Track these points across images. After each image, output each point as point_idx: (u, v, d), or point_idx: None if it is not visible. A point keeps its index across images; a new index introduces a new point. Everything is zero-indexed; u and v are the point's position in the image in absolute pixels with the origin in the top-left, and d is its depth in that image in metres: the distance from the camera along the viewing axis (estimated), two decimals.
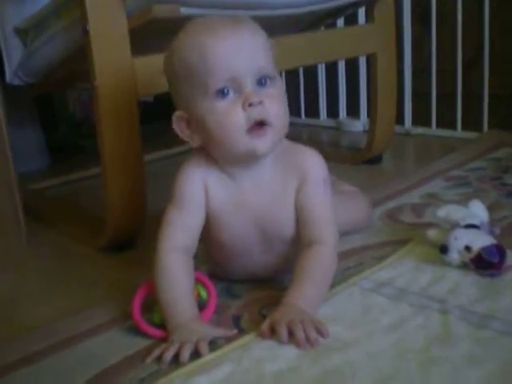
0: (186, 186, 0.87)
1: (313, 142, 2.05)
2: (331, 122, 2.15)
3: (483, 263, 0.89)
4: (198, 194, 0.87)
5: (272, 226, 0.89)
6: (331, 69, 2.12)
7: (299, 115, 2.22)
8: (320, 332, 0.76)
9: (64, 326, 0.88)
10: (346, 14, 1.61)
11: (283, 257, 0.92)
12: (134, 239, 1.17)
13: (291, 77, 2.22)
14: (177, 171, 0.89)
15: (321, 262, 0.85)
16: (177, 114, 0.86)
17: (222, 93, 0.80)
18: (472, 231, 0.94)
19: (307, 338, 0.74)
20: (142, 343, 0.81)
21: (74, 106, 2.12)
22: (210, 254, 0.96)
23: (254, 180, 0.88)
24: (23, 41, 1.36)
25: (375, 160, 1.63)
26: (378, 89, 1.52)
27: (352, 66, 2.04)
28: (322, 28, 1.63)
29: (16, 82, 1.39)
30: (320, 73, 2.16)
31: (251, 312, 0.87)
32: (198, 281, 0.89)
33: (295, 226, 0.89)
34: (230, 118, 0.80)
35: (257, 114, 0.80)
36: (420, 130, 1.91)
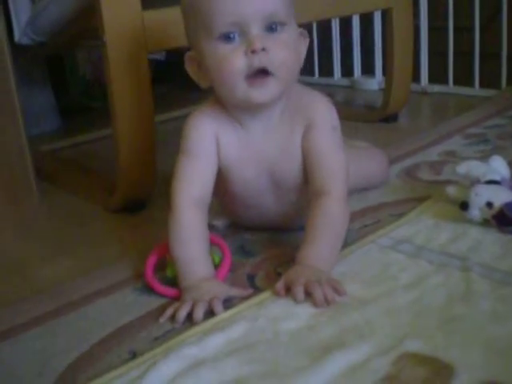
0: (197, 135, 0.85)
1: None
2: (346, 81, 2.10)
3: (505, 219, 0.87)
4: (210, 142, 0.85)
5: (281, 174, 0.87)
6: (345, 26, 2.07)
7: (313, 74, 2.18)
8: (337, 291, 0.74)
9: (76, 286, 0.87)
10: None
11: (294, 205, 0.91)
12: (144, 200, 1.15)
13: None
14: (186, 119, 0.87)
15: (330, 216, 0.81)
16: (189, 53, 0.83)
17: (226, 37, 0.77)
18: (493, 187, 0.91)
19: (324, 297, 0.72)
20: (155, 303, 0.80)
21: (84, 67, 2.09)
22: (224, 203, 0.94)
23: (263, 128, 0.86)
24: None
25: (392, 118, 1.59)
26: (394, 46, 1.48)
27: (366, 22, 1.99)
28: None
29: (25, 41, 1.36)
30: (334, 30, 2.10)
31: (266, 270, 0.85)
32: (210, 243, 0.87)
33: (304, 175, 0.86)
34: (229, 62, 0.77)
35: (258, 61, 0.76)
36: (437, 87, 1.87)
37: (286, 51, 0.78)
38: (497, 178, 0.93)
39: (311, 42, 2.14)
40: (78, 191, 1.28)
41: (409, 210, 0.99)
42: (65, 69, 2.07)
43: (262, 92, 0.79)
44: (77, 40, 1.38)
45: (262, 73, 0.78)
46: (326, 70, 2.16)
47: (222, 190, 0.90)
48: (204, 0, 0.77)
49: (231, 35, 0.77)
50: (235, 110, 0.84)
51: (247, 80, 0.78)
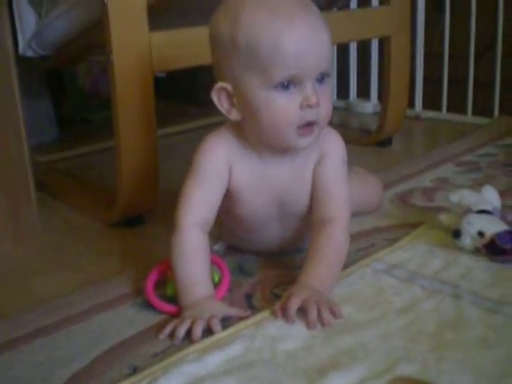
0: (209, 158, 0.87)
1: None
2: (341, 103, 2.14)
3: (496, 249, 0.90)
4: (221, 167, 0.87)
5: (290, 202, 0.90)
6: (342, 49, 2.10)
7: None
8: (334, 313, 0.77)
9: (76, 299, 0.89)
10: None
11: (296, 231, 0.94)
12: (144, 215, 1.17)
13: None
14: (200, 141, 0.88)
15: (334, 242, 0.85)
16: (220, 85, 0.83)
17: (284, 87, 0.79)
18: (485, 217, 0.94)
19: (320, 318, 0.75)
20: (154, 319, 0.82)
21: (83, 79, 2.11)
22: (227, 225, 0.97)
23: (280, 159, 0.88)
24: (37, 12, 1.35)
25: (386, 142, 1.62)
26: (390, 72, 1.51)
27: (363, 46, 2.02)
28: (335, 9, 1.62)
29: (29, 53, 1.38)
30: (332, 53, 2.14)
31: (263, 291, 0.87)
32: (210, 262, 0.90)
33: (310, 203, 0.89)
34: (286, 115, 0.80)
35: (311, 115, 0.80)
36: (430, 113, 1.91)
37: (329, 104, 0.83)
38: (488, 208, 0.96)
39: None
40: (76, 203, 1.30)
41: (402, 236, 1.02)
42: (64, 80, 2.09)
43: (308, 140, 0.83)
44: (81, 55, 1.40)
45: (312, 123, 0.82)
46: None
47: (226, 212, 0.92)
48: (271, 47, 0.77)
49: (286, 83, 0.79)
50: (261, 145, 0.86)
51: (298, 130, 0.81)
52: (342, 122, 2.02)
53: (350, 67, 2.11)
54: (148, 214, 1.17)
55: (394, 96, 1.54)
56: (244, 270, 0.94)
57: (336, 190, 0.88)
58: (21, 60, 1.43)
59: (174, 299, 0.84)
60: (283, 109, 0.80)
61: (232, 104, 0.83)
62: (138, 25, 1.04)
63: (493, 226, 0.91)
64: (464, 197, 0.98)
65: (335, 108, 2.13)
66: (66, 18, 1.22)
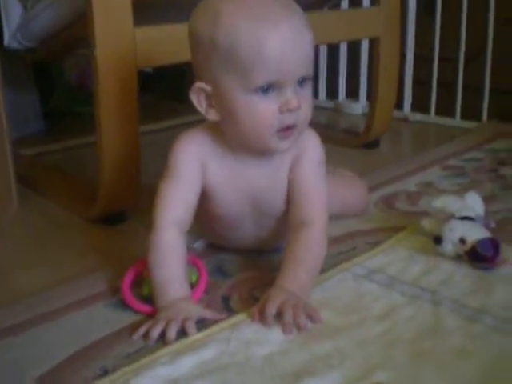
0: (184, 158, 0.86)
1: (310, 122, 2.03)
2: (330, 103, 2.13)
3: (477, 256, 0.89)
4: (195, 166, 0.86)
5: (265, 202, 0.89)
6: (332, 49, 2.09)
7: None
8: (312, 318, 0.76)
9: (51, 296, 0.87)
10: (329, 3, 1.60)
11: (273, 230, 0.93)
12: (126, 212, 1.15)
13: None
14: (174, 141, 0.87)
15: (311, 246, 0.84)
16: (199, 85, 0.82)
17: (263, 90, 0.78)
18: (467, 223, 0.93)
19: (296, 323, 0.74)
20: (129, 318, 0.81)
21: (70, 71, 2.09)
22: (203, 223, 0.96)
23: (255, 159, 0.87)
24: (23, 4, 1.33)
25: (373, 144, 1.62)
26: (379, 73, 1.50)
27: (354, 46, 2.02)
28: (326, 9, 1.61)
29: (14, 45, 1.36)
30: (321, 53, 2.13)
31: (241, 293, 0.86)
32: (188, 262, 0.89)
33: (286, 204, 0.89)
34: (265, 119, 0.79)
35: (291, 119, 0.79)
36: (418, 116, 1.90)
37: (309, 105, 0.82)
38: (471, 214, 0.96)
39: None
40: (58, 199, 1.28)
41: (384, 240, 1.01)
42: (51, 72, 2.07)
43: (287, 143, 0.82)
44: (67, 48, 1.38)
45: (292, 126, 0.80)
46: (312, 92, 2.17)
47: (203, 210, 0.91)
48: (253, 51, 0.76)
49: (266, 87, 0.77)
50: (239, 147, 0.85)
51: (277, 133, 0.80)
52: (330, 123, 2.01)
53: (340, 67, 2.10)
54: (130, 210, 1.16)
55: (382, 97, 1.54)
56: (223, 270, 0.93)
57: (313, 191, 0.87)
58: (7, 52, 1.42)
59: (150, 299, 0.83)
60: (263, 113, 0.79)
61: (210, 105, 0.82)
62: (123, 19, 1.02)
63: (475, 233, 0.91)
64: (447, 203, 0.98)
65: (324, 108, 2.13)
66: (50, 10, 1.20)
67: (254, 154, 0.85)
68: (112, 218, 1.14)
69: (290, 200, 0.88)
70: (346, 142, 1.66)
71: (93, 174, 1.15)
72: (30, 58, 1.45)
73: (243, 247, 0.97)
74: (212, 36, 0.78)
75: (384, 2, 1.46)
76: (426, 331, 0.74)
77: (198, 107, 0.83)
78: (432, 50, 1.81)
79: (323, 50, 2.13)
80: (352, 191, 1.13)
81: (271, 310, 0.75)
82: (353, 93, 2.08)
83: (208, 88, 0.81)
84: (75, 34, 1.19)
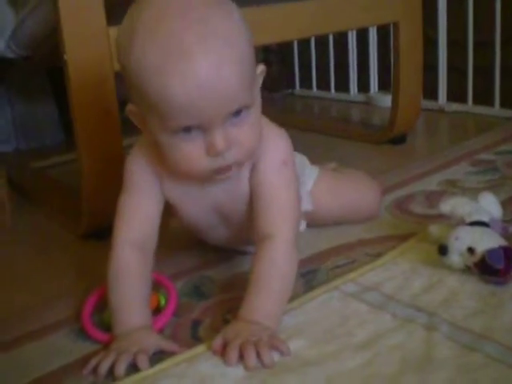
0: (137, 171, 0.78)
1: (339, 119, 1.92)
2: (362, 97, 2.00)
3: (487, 269, 0.76)
4: (151, 179, 0.78)
5: (229, 211, 0.81)
6: (362, 40, 1.97)
7: (329, 89, 2.08)
8: (279, 351, 0.66)
9: (12, 324, 0.81)
10: None
11: (250, 229, 0.80)
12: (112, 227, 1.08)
13: (320, 49, 2.07)
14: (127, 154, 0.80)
15: (274, 264, 0.72)
16: (130, 107, 0.73)
17: (184, 131, 0.67)
18: (478, 229, 0.80)
19: (261, 362, 0.64)
20: (88, 348, 0.73)
21: None
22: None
23: None
24: (15, 11, 1.28)
25: (399, 140, 1.48)
26: (400, 62, 1.38)
27: (384, 36, 1.88)
28: None
29: (9, 54, 1.31)
30: (350, 45, 2.01)
31: (213, 317, 0.77)
32: (159, 284, 0.81)
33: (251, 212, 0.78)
34: (191, 163, 0.69)
35: (222, 160, 0.69)
36: (455, 106, 1.75)
37: (250, 138, 0.70)
38: (484, 218, 0.83)
39: (327, 56, 2.05)
40: (54, 214, 1.22)
41: (388, 250, 0.89)
42: None
43: (227, 176, 0.72)
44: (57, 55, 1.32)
45: (227, 166, 0.70)
46: (343, 86, 2.06)
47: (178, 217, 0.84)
48: (155, 95, 0.64)
49: (191, 130, 0.67)
50: None
51: (212, 172, 0.71)
52: (361, 118, 1.89)
53: (370, 58, 1.97)
54: None
55: (406, 89, 1.41)
56: (200, 290, 0.84)
57: (275, 199, 0.75)
58: (21, 62, 1.37)
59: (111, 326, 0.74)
60: (187, 156, 0.68)
61: (146, 126, 0.72)
62: (94, 19, 0.95)
63: (486, 241, 0.78)
64: (456, 206, 0.85)
65: (355, 103, 2.00)
66: (34, 16, 1.14)
67: None
68: (99, 232, 1.06)
69: (252, 209, 0.77)
70: (368, 137, 1.54)
71: None
72: (27, 69, 1.40)
73: (223, 245, 0.91)
74: (126, 67, 0.68)
75: None
76: (411, 364, 0.63)
77: (140, 127, 0.75)
78: (466, 33, 1.66)
79: (352, 41, 2.00)
80: (359, 194, 1.01)
81: (233, 355, 0.64)
82: (385, 85, 1.94)
83: (138, 112, 0.72)
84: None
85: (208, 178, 0.72)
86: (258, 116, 0.72)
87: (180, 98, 0.63)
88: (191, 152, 0.68)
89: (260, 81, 0.75)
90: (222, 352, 0.66)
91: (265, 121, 0.77)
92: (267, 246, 0.73)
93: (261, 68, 0.74)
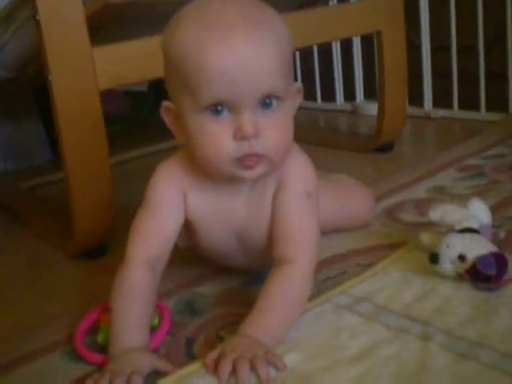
0: (162, 189, 0.77)
1: (325, 128, 1.93)
2: (348, 106, 2.01)
3: (479, 275, 0.77)
4: (175, 197, 0.77)
5: (249, 234, 0.80)
6: (346, 49, 1.98)
7: (315, 99, 2.09)
8: (275, 366, 0.65)
9: (5, 348, 0.80)
10: None
11: (262, 254, 0.82)
12: (105, 245, 1.07)
13: (305, 59, 2.08)
14: (153, 170, 0.79)
15: (291, 288, 0.72)
16: (166, 104, 0.74)
17: (214, 110, 0.67)
18: (468, 236, 0.81)
19: (258, 376, 0.63)
20: (80, 371, 0.72)
21: None
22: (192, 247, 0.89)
23: (236, 189, 0.77)
24: None
25: (386, 148, 1.49)
26: (385, 70, 1.38)
27: (367, 43, 1.89)
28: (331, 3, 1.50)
29: None
30: (335, 54, 2.02)
31: (207, 334, 0.76)
32: None
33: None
34: (216, 146, 0.68)
35: (248, 148, 0.68)
36: (441, 112, 1.76)
37: (280, 133, 0.70)
38: (474, 225, 0.83)
39: (312, 66, 2.06)
40: (45, 234, 1.22)
41: (379, 260, 0.89)
42: None
43: (252, 173, 0.71)
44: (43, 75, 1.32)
45: (253, 155, 0.69)
46: (329, 95, 2.07)
47: (188, 236, 0.84)
48: (193, 64, 0.66)
49: (219, 108, 0.67)
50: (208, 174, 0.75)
51: (237, 161, 0.69)
52: (348, 127, 1.89)
53: (355, 67, 1.98)
54: (110, 243, 1.08)
55: (391, 97, 1.41)
56: (194, 307, 0.84)
57: (297, 227, 0.75)
58: (7, 84, 1.37)
59: (105, 348, 0.74)
60: (213, 138, 0.68)
61: (180, 126, 0.73)
62: (78, 40, 0.95)
63: (476, 248, 0.78)
64: (446, 213, 0.85)
65: (342, 111, 2.01)
66: (17, 38, 1.14)
67: (228, 181, 0.75)
68: (91, 253, 1.06)
69: (272, 233, 0.77)
70: (356, 146, 1.54)
71: None
72: (12, 89, 1.40)
73: (232, 267, 0.90)
74: (167, 50, 0.71)
75: None
76: (407, 374, 0.63)
77: (171, 127, 0.75)
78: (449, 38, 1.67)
79: (336, 51, 2.01)
80: (353, 201, 1.01)
81: (225, 368, 0.64)
82: (371, 93, 1.95)
83: (173, 107, 0.73)
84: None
85: (231, 173, 0.71)
86: (289, 118, 0.72)
87: (216, 65, 0.65)
88: (218, 134, 0.68)
89: (298, 99, 0.76)
90: (214, 367, 0.66)
91: (294, 146, 0.77)
92: (285, 270, 0.73)
93: (297, 86, 0.75)
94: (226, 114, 0.68)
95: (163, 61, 0.73)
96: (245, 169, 0.70)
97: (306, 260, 0.74)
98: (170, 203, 0.78)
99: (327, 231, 0.98)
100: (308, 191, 0.77)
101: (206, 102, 0.67)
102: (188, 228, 0.81)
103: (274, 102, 0.69)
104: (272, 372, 0.65)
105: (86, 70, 0.96)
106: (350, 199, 1.02)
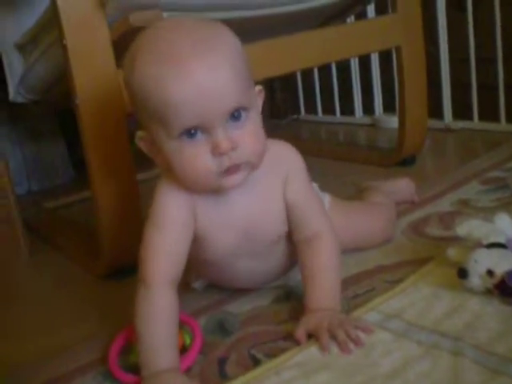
0: (170, 202, 0.78)
1: (346, 142, 1.93)
2: (367, 120, 2.02)
3: (508, 290, 0.77)
4: (184, 211, 0.78)
5: (260, 231, 0.82)
6: (364, 63, 1.99)
7: (334, 113, 2.09)
8: (363, 330, 0.75)
9: (37, 370, 0.81)
10: (352, 12, 1.50)
11: (276, 263, 0.88)
12: (132, 265, 1.08)
13: (323, 74, 2.10)
14: (156, 184, 0.80)
15: (330, 257, 0.83)
16: (140, 134, 0.77)
17: (188, 134, 0.70)
18: (496, 251, 0.81)
19: (350, 339, 0.73)
20: None
21: None
22: (197, 268, 0.91)
23: (242, 189, 0.79)
24: (24, 56, 1.30)
25: (408, 161, 1.49)
26: (405, 84, 1.39)
27: (385, 57, 1.90)
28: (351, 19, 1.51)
29: (19, 99, 1.33)
30: (353, 68, 2.03)
31: (239, 353, 0.77)
32: (182, 323, 0.80)
33: (283, 227, 0.84)
34: (197, 166, 0.71)
35: (228, 161, 0.71)
36: (461, 124, 1.76)
37: (254, 139, 0.73)
38: (501, 239, 0.83)
39: (331, 80, 2.07)
40: (72, 254, 1.23)
41: (407, 276, 0.89)
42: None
43: (235, 179, 0.74)
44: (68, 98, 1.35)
45: (234, 166, 0.72)
46: (348, 109, 2.08)
47: (194, 256, 0.83)
48: (161, 103, 0.69)
49: (192, 131, 0.70)
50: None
51: (221, 175, 0.72)
52: (368, 140, 1.90)
53: (374, 81, 1.99)
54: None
55: (412, 110, 1.42)
56: (224, 327, 0.85)
57: (313, 204, 0.85)
58: (32, 104, 1.39)
59: (139, 367, 0.75)
60: (193, 160, 0.71)
61: (157, 152, 0.76)
62: (104, 63, 0.97)
63: (504, 263, 0.78)
64: (472, 228, 0.86)
65: (361, 125, 2.01)
66: (42, 61, 1.16)
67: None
68: (120, 273, 1.07)
69: (290, 220, 0.83)
70: (378, 160, 1.55)
71: None
72: (36, 111, 1.42)
73: (247, 287, 0.92)
74: (131, 85, 0.73)
75: (402, 7, 1.35)
76: None
77: (150, 155, 0.78)
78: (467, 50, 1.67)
79: (355, 65, 2.02)
80: (373, 216, 1.03)
81: (325, 337, 0.74)
82: (390, 106, 1.96)
83: (148, 136, 0.76)
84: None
85: (217, 185, 0.74)
86: (258, 123, 0.75)
87: (179, 98, 0.68)
88: (196, 154, 0.71)
89: (260, 100, 0.79)
90: (307, 341, 0.75)
91: (270, 140, 0.80)
92: (317, 243, 0.83)
93: (258, 88, 0.79)
94: (200, 135, 0.71)
95: (128, 94, 0.76)
96: (227, 178, 0.73)
97: (329, 227, 0.84)
98: (183, 223, 0.78)
99: (351, 248, 0.98)
100: (306, 175, 0.85)
101: (177, 131, 0.70)
102: (194, 244, 0.81)
103: (242, 113, 0.72)
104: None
105: (112, 92, 0.97)
106: (373, 215, 1.03)
